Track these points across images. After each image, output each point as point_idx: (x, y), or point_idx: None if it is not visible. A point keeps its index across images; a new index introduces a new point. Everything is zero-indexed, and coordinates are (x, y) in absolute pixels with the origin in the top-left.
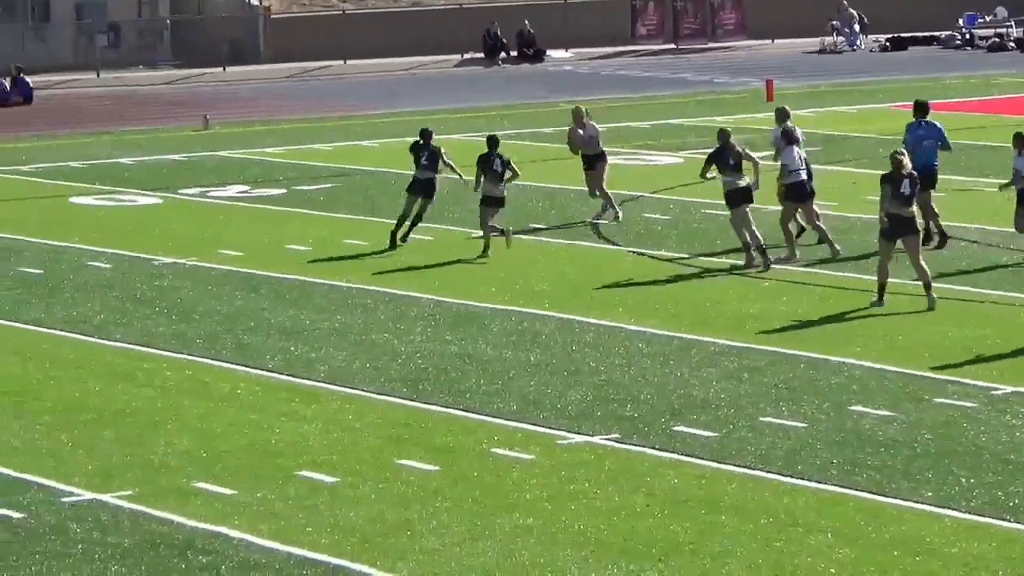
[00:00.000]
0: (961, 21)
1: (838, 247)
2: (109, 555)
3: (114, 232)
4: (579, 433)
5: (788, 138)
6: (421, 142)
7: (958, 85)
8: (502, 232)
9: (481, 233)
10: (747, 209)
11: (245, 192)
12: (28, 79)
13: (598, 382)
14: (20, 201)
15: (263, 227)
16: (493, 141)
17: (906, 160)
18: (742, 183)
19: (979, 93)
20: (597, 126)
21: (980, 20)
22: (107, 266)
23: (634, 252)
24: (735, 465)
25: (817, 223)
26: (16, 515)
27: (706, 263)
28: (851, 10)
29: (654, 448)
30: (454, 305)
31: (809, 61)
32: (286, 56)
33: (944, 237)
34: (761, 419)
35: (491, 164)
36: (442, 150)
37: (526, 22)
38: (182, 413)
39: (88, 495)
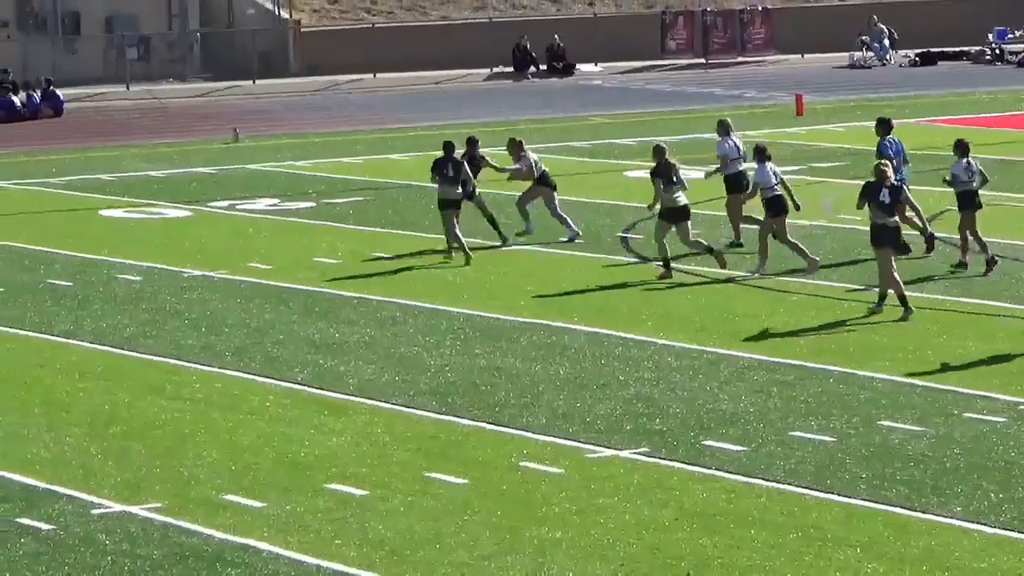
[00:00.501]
0: (991, 36)
1: (816, 257)
2: (138, 567)
3: (144, 244)
4: (608, 447)
5: (761, 156)
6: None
7: (987, 100)
8: (462, 247)
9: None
10: (687, 224)
11: (275, 205)
12: (58, 92)
13: (627, 396)
14: (50, 214)
15: (292, 240)
16: (449, 146)
17: (890, 171)
18: (682, 200)
19: (1008, 108)
20: (531, 156)
21: (1010, 35)
22: (137, 279)
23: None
24: (764, 479)
25: (788, 238)
26: (45, 526)
27: (734, 277)
28: (881, 25)
29: (683, 462)
30: (484, 319)
31: (838, 76)
32: (316, 69)
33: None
34: (790, 433)
35: (445, 168)
36: (486, 157)
37: (556, 36)
38: (211, 425)
39: (117, 507)
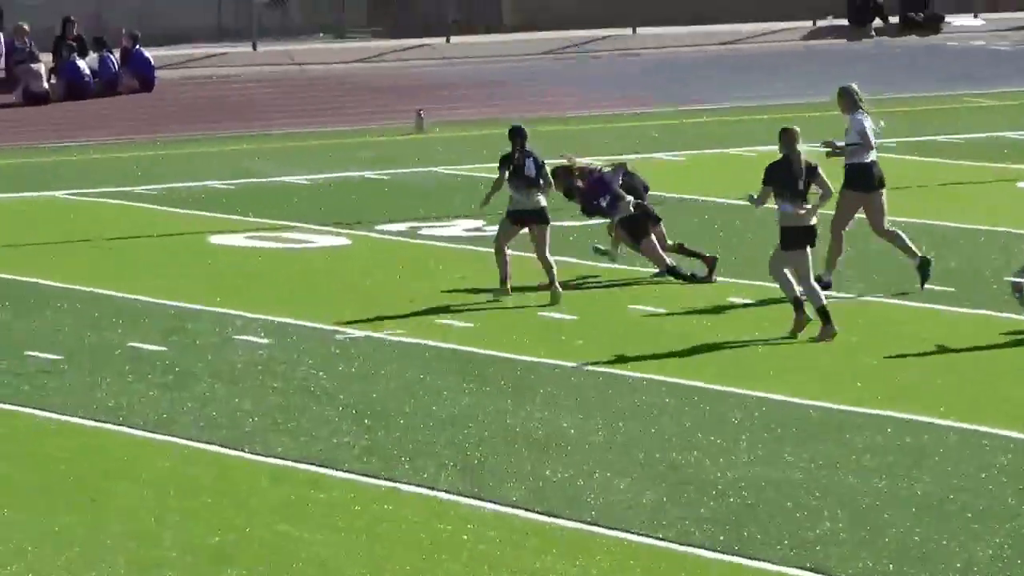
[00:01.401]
0: None
1: None
2: None
3: (277, 288)
4: None
5: None
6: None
7: None
8: (550, 283)
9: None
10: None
11: (477, 229)
12: (147, 53)
13: None
14: (135, 240)
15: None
16: (519, 133)
17: None
18: (810, 220)
19: None
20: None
21: None
22: (264, 341)
23: None
24: None
25: None
26: None
27: None
28: None
29: None
30: (796, 407)
31: None
32: (539, 22)
33: None
34: None
35: (523, 167)
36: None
37: None
38: (375, 568)
39: None
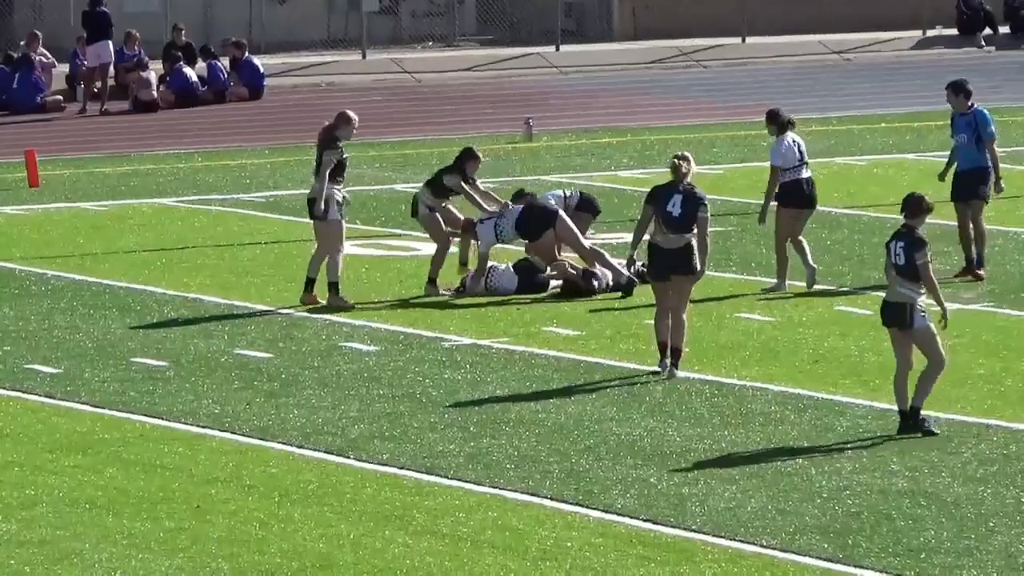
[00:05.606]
0: None
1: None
2: None
3: (383, 296)
4: None
5: None
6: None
7: None
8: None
9: None
10: None
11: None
12: (257, 61)
13: None
14: (242, 248)
15: (611, 294)
16: (343, 115)
17: None
18: None
19: None
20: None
21: None
22: (370, 348)
23: None
24: None
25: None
26: None
27: None
28: None
29: None
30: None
31: None
32: (650, 31)
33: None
34: None
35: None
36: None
37: None
38: (484, 575)
39: None
